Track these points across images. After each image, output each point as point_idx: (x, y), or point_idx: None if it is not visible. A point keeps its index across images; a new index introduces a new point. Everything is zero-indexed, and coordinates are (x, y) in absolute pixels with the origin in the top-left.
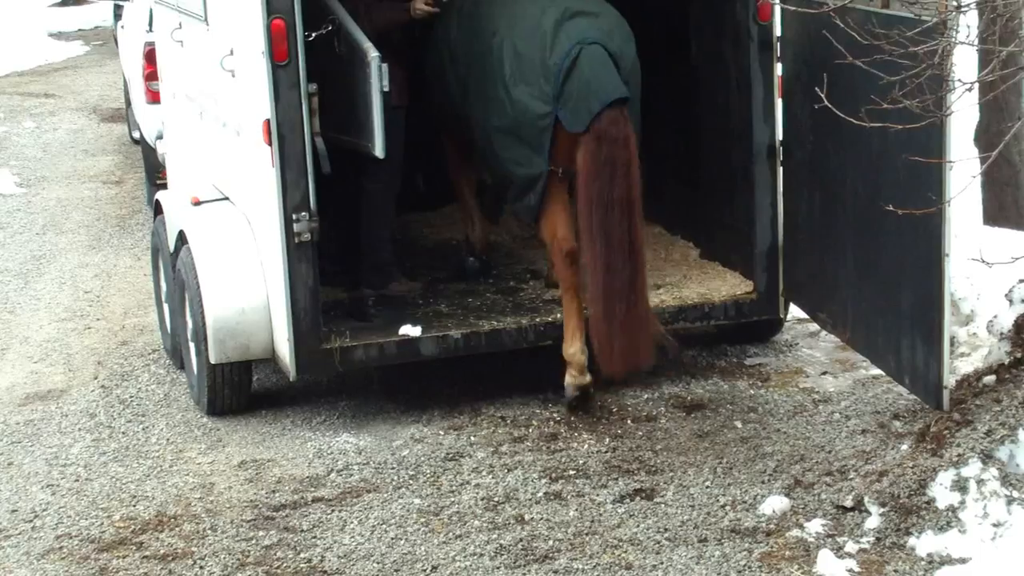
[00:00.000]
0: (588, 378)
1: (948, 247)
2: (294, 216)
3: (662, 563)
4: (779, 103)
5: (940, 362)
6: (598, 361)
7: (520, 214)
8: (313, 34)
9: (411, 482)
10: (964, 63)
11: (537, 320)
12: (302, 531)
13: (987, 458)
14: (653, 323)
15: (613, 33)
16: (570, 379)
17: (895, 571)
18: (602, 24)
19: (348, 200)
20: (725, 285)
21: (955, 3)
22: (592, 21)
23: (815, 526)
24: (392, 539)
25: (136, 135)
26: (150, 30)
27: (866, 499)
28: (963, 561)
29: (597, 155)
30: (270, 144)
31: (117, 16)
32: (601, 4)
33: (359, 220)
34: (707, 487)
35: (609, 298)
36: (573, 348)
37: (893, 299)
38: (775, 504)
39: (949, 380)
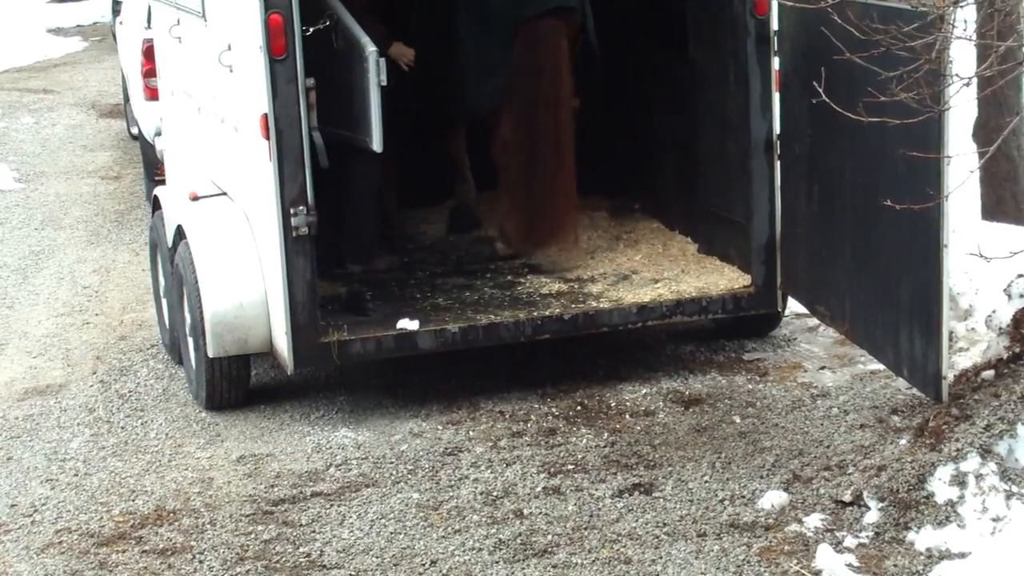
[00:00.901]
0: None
1: (946, 239)
2: (292, 210)
3: (661, 558)
4: (777, 97)
5: (939, 353)
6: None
7: (488, 103)
8: (311, 29)
9: (410, 477)
10: (962, 58)
11: (535, 314)
12: (301, 525)
13: (986, 453)
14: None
15: None
16: (500, 246)
17: (894, 566)
18: None
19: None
20: (723, 279)
21: None
22: None
23: (814, 521)
24: (391, 533)
25: (134, 131)
26: (148, 26)
27: (865, 494)
28: (962, 556)
29: (526, 56)
30: (268, 139)
31: (115, 12)
32: None
33: (342, 198)
34: (706, 482)
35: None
36: (510, 224)
37: (891, 291)
38: (774, 499)
39: (948, 372)
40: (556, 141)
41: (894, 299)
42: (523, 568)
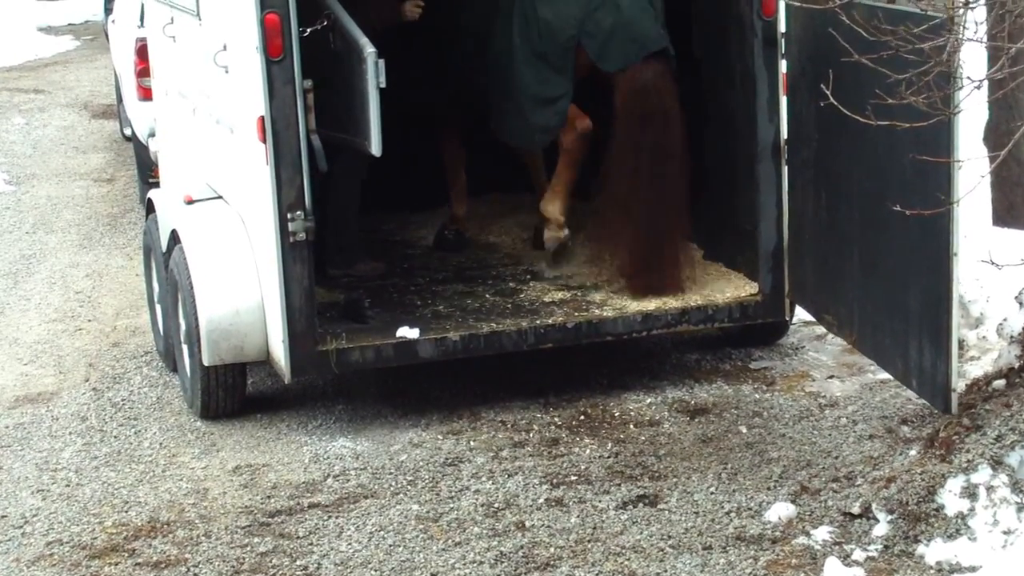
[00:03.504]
0: (566, 232)
1: (956, 246)
2: (289, 215)
3: (666, 571)
4: (784, 100)
5: (948, 364)
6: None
7: (536, 139)
8: (308, 29)
9: (409, 488)
10: (972, 60)
11: (537, 323)
12: (298, 538)
13: (997, 464)
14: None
15: None
16: (549, 234)
17: None
18: None
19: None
20: (729, 287)
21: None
22: None
23: (822, 533)
24: (390, 546)
25: (128, 132)
26: (142, 25)
27: (874, 506)
28: (973, 570)
29: (637, 104)
30: (264, 142)
31: (108, 10)
32: None
33: (325, 202)
34: (711, 493)
35: (637, 233)
36: (553, 207)
37: (900, 300)
38: (781, 511)
39: (958, 383)
40: (671, 191)
41: (903, 308)
42: None
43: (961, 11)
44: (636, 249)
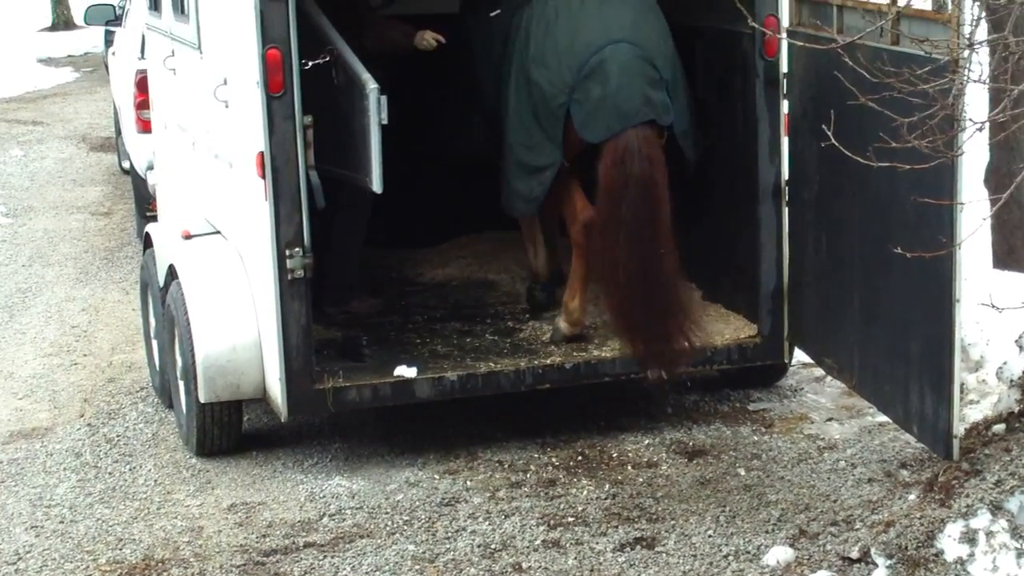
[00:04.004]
0: (579, 330)
1: (959, 292)
2: (287, 252)
3: None
4: (785, 141)
5: (950, 410)
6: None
7: (516, 207)
8: (310, 63)
9: (405, 528)
10: (973, 101)
11: (536, 363)
12: None
13: (996, 509)
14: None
15: (649, 26)
16: (563, 325)
17: None
18: (639, 15)
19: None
20: (728, 328)
21: (966, 41)
22: (626, 6)
23: None
24: None
25: (126, 165)
26: (142, 57)
27: (873, 550)
28: None
29: (616, 175)
30: (264, 177)
31: (108, 42)
32: None
33: (325, 238)
34: (709, 536)
35: (625, 314)
36: (574, 303)
37: (901, 344)
38: (779, 555)
39: (959, 429)
40: (660, 263)
41: (904, 353)
42: None
43: (966, 53)
44: (631, 325)
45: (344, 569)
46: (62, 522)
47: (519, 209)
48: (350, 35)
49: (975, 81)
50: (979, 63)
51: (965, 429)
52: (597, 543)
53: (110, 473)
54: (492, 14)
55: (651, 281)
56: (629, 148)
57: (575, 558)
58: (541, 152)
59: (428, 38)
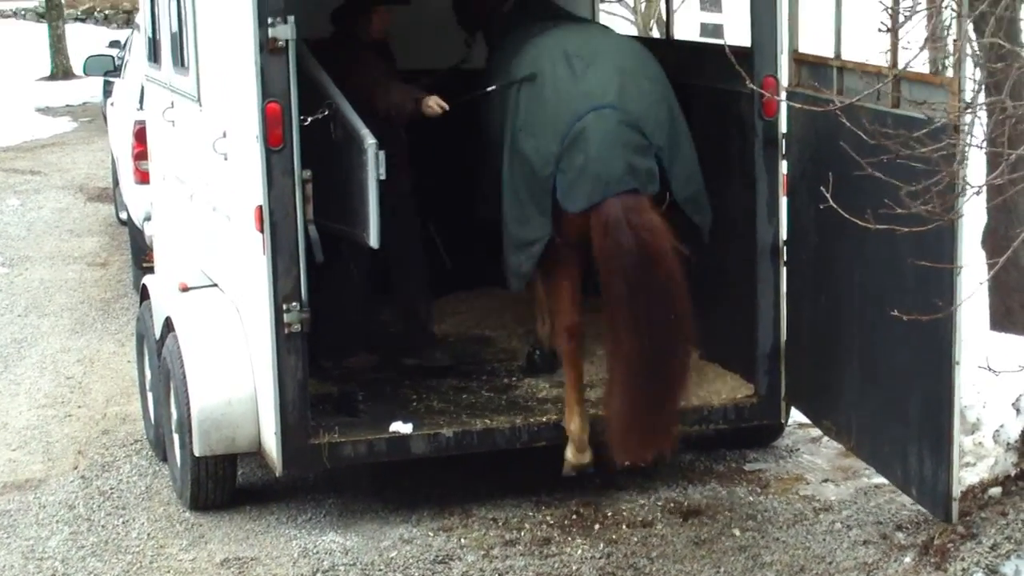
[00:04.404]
0: (588, 457)
1: (958, 354)
2: (284, 306)
3: None
4: (784, 201)
5: (949, 473)
6: (613, 447)
7: (510, 282)
8: (309, 119)
9: None
10: (971, 164)
11: (531, 420)
12: None
13: (992, 573)
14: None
15: (639, 90)
16: (569, 455)
17: None
18: (628, 79)
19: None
20: (725, 387)
21: (965, 104)
22: (615, 71)
23: None
24: None
25: (123, 216)
26: (140, 108)
27: None
28: None
29: (606, 247)
30: (262, 231)
31: (107, 93)
32: (629, 48)
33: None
34: None
35: (630, 392)
36: (573, 425)
37: (900, 406)
38: None
39: (957, 491)
40: (665, 340)
41: (903, 415)
42: None
43: (967, 118)
44: (623, 412)
45: None
46: (54, 575)
47: (512, 284)
48: (358, 97)
49: (974, 145)
50: (979, 124)
51: (961, 492)
52: None
53: (103, 526)
54: (489, 88)
55: (657, 374)
56: (613, 218)
57: None
58: (531, 226)
59: (432, 105)
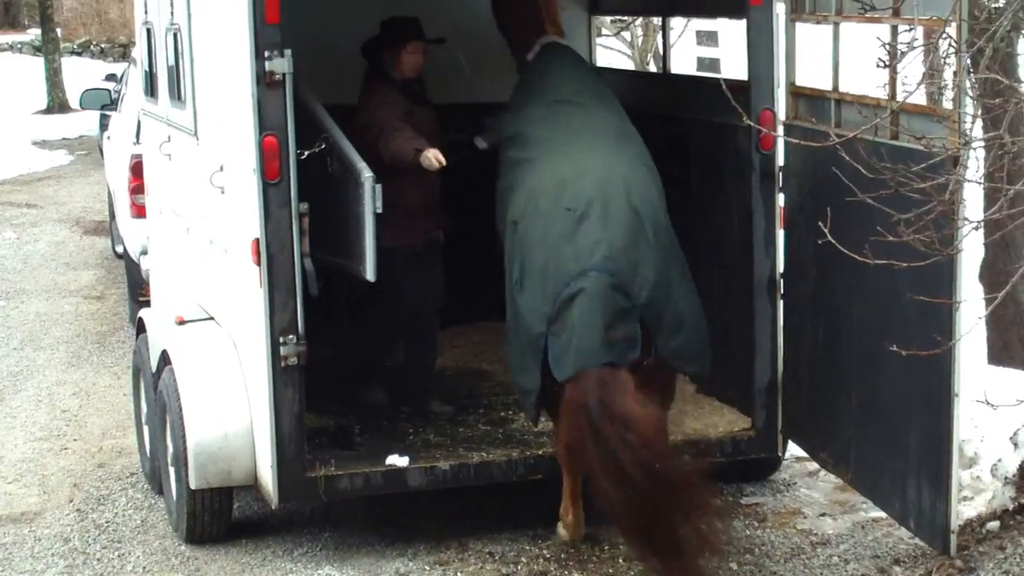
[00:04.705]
0: (582, 532)
1: (957, 386)
2: (281, 339)
3: None
4: (781, 234)
5: (948, 505)
6: None
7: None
8: (306, 152)
9: None
10: (970, 198)
11: (528, 453)
12: None
13: None
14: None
15: (628, 241)
16: (563, 532)
17: None
18: (617, 230)
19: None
20: (722, 421)
21: (965, 138)
22: (607, 221)
23: None
24: None
25: (119, 249)
26: (137, 142)
27: None
28: None
29: (575, 424)
30: (259, 264)
31: (103, 126)
32: (626, 176)
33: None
34: None
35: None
36: (569, 518)
37: (899, 439)
38: None
39: (956, 524)
40: (657, 513)
41: (901, 448)
42: None
43: (964, 152)
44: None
45: None
46: None
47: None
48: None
49: (972, 180)
50: (976, 158)
51: (959, 526)
52: None
53: (99, 559)
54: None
55: (657, 521)
56: (581, 400)
57: None
58: (529, 376)
59: (431, 158)
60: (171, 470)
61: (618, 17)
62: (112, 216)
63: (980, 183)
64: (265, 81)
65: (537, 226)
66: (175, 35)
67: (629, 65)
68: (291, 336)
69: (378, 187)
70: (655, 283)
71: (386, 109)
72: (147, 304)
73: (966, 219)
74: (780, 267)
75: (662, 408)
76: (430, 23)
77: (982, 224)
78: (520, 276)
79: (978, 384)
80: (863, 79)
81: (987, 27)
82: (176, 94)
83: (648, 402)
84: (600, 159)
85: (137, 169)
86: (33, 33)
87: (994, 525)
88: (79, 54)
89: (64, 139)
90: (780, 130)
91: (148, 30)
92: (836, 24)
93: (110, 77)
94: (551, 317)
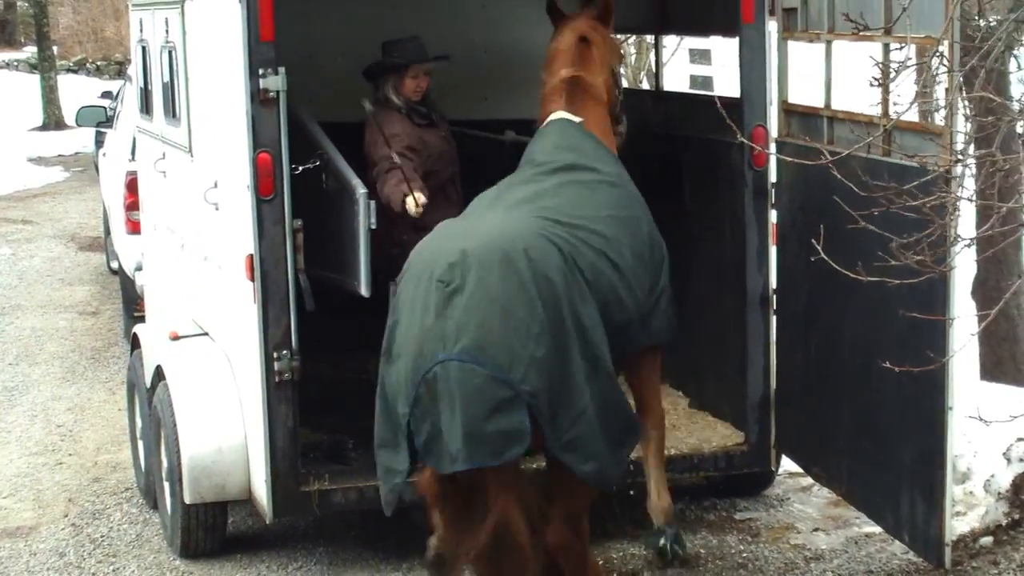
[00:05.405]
0: None
1: (951, 400)
2: (275, 354)
3: None
4: (773, 250)
5: (942, 519)
6: None
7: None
8: (300, 168)
9: None
10: (962, 215)
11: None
12: None
13: None
14: None
15: (510, 320)
16: None
17: None
18: (495, 308)
19: None
20: (715, 436)
21: (958, 156)
22: (480, 301)
23: None
24: None
25: (114, 265)
26: (132, 158)
27: None
28: None
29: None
30: (252, 280)
31: (99, 143)
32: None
33: None
34: None
35: None
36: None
37: (892, 454)
38: None
39: (950, 537)
40: None
41: (895, 462)
42: None
43: (958, 169)
44: None
45: None
46: None
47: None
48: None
49: (963, 198)
50: (971, 175)
51: (952, 541)
52: None
53: (93, 574)
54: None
55: None
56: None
57: None
58: (400, 455)
59: (409, 205)
60: (166, 485)
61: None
62: (107, 232)
63: (972, 200)
64: (259, 98)
65: (407, 291)
66: (170, 53)
67: (623, 83)
68: (285, 351)
69: (372, 203)
70: (543, 363)
71: (384, 149)
72: (142, 320)
73: (959, 236)
74: (773, 283)
75: (563, 510)
76: (432, 38)
77: (975, 241)
78: (388, 343)
79: (971, 400)
80: (855, 97)
81: (981, 46)
82: (171, 111)
83: (516, 516)
84: (500, 223)
85: (132, 186)
86: (29, 51)
87: (987, 540)
88: (75, 72)
89: (60, 156)
90: (773, 147)
91: (143, 48)
92: (828, 42)
93: (106, 94)
94: (413, 401)
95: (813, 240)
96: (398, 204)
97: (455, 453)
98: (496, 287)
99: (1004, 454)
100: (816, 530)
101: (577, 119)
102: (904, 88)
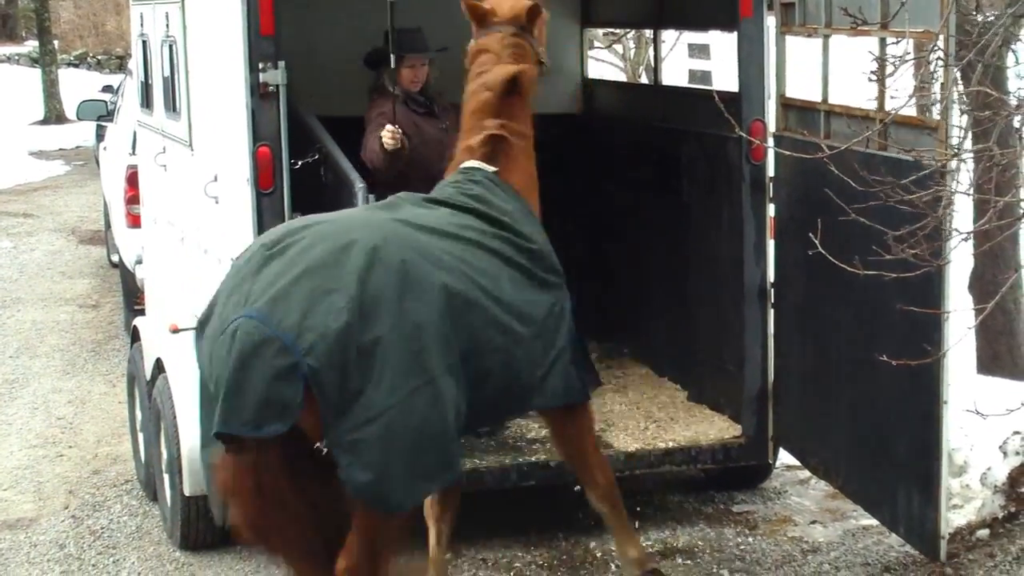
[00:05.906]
0: None
1: (946, 393)
2: None
3: None
4: (771, 244)
5: (937, 511)
6: None
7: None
8: (299, 162)
9: None
10: (959, 209)
11: (520, 460)
12: None
13: None
14: None
15: (319, 288)
16: None
17: None
18: (306, 276)
19: None
20: (713, 428)
21: (954, 150)
22: (293, 265)
23: None
24: None
25: (115, 258)
26: (133, 152)
27: None
28: None
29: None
30: None
31: (100, 137)
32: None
33: None
34: None
35: None
36: None
37: (889, 446)
38: None
39: (946, 529)
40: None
41: (891, 455)
42: None
43: (954, 164)
44: None
45: None
46: None
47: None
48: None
49: (960, 192)
50: (968, 171)
51: (949, 534)
52: None
53: (94, 565)
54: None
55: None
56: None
57: None
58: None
59: (385, 134)
60: (165, 477)
61: (610, 30)
62: (108, 226)
63: (969, 194)
64: (259, 92)
65: (238, 261)
66: (170, 47)
67: (621, 77)
68: None
69: (371, 196)
70: (338, 339)
71: (374, 124)
72: (142, 313)
73: (956, 230)
74: (771, 277)
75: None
76: (436, 32)
77: (972, 235)
78: (205, 316)
79: (968, 393)
80: (853, 91)
81: (978, 41)
82: (171, 105)
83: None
84: (369, 217)
85: (132, 179)
86: (30, 45)
87: (984, 533)
88: (76, 66)
89: (60, 150)
90: (770, 141)
91: (144, 42)
92: (826, 37)
93: (106, 88)
94: (208, 359)
95: (811, 234)
96: (377, 147)
97: (218, 415)
98: (316, 255)
99: (1000, 447)
100: (813, 523)
101: (491, 168)
102: (901, 82)
